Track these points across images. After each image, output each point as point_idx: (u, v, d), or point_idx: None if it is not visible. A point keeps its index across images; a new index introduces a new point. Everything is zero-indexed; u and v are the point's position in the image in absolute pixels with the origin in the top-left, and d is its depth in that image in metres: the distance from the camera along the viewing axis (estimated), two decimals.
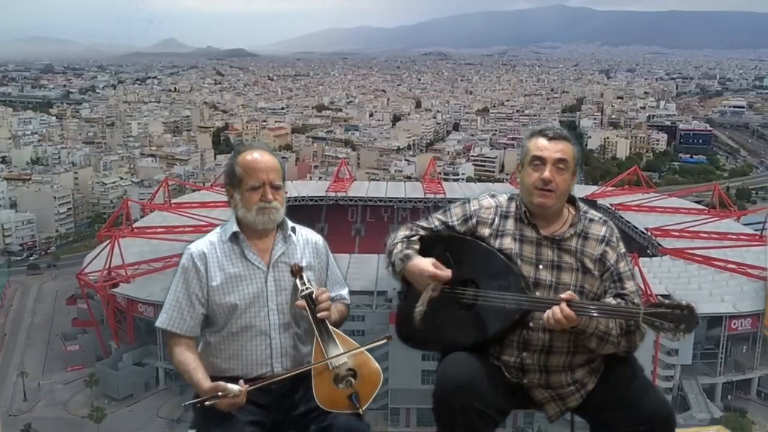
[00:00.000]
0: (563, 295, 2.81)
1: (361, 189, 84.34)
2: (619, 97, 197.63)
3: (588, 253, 2.98)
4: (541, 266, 2.98)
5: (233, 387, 2.84)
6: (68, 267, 79.47)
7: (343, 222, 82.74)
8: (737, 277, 54.65)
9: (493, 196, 3.19)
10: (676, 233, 64.30)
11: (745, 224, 71.71)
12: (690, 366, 50.12)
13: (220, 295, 3.10)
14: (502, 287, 2.94)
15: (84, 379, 53.37)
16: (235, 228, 3.15)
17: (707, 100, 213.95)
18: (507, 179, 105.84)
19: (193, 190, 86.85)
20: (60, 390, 53.73)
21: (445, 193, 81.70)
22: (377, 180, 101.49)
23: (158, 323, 3.13)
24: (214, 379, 2.97)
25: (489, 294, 2.95)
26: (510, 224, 3.05)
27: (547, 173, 2.92)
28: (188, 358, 3.05)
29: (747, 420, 48.13)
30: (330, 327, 3.04)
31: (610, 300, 2.91)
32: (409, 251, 3.05)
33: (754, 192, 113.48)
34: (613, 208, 73.82)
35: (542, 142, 2.98)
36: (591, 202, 76.27)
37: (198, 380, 2.95)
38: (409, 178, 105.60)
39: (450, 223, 3.16)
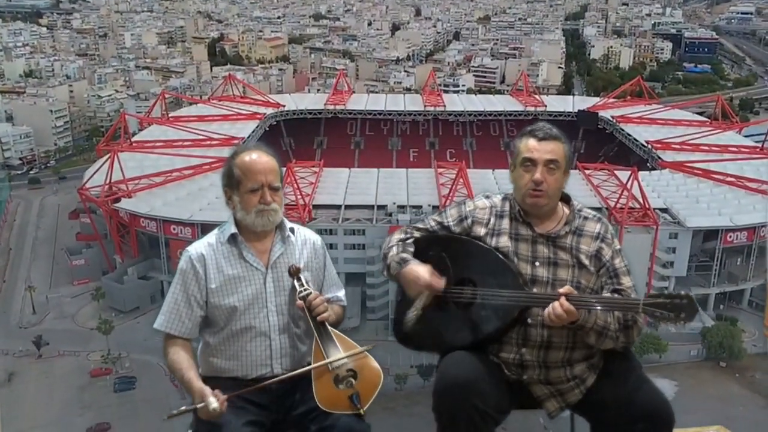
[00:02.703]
0: (561, 290, 2.83)
1: (360, 102, 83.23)
2: (624, 4, 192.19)
3: (583, 249, 3.01)
4: (537, 263, 3.01)
5: (212, 401, 2.83)
6: (69, 181, 79.70)
7: (342, 135, 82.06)
8: (735, 190, 54.87)
9: (487, 197, 3.20)
10: (677, 146, 64.00)
11: (746, 136, 71.35)
12: (684, 277, 50.97)
13: (219, 297, 3.10)
14: (500, 285, 2.95)
15: (90, 293, 54.42)
16: (233, 230, 3.14)
17: (715, 5, 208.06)
18: (507, 91, 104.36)
19: (190, 104, 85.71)
20: (67, 303, 54.84)
21: (444, 105, 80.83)
22: (376, 92, 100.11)
23: (156, 325, 3.13)
24: (214, 379, 3.01)
25: (487, 292, 2.96)
26: (505, 223, 3.07)
27: (537, 175, 2.94)
28: (181, 358, 3.06)
29: (737, 328, 49.44)
30: (329, 328, 3.05)
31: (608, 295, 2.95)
32: (405, 255, 3.07)
33: (757, 102, 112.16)
34: (615, 121, 73.35)
35: (532, 143, 2.98)
36: (593, 114, 75.77)
37: (190, 379, 2.96)
38: (408, 90, 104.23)
39: (445, 224, 3.17)
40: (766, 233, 51.58)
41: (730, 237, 50.93)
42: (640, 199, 50.27)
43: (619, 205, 50.12)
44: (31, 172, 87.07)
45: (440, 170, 59.23)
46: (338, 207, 52.79)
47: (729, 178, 55.98)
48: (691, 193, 54.87)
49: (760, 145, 64.85)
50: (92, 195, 54.67)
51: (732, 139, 67.29)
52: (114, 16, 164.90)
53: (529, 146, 2.98)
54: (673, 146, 64.04)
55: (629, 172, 51.49)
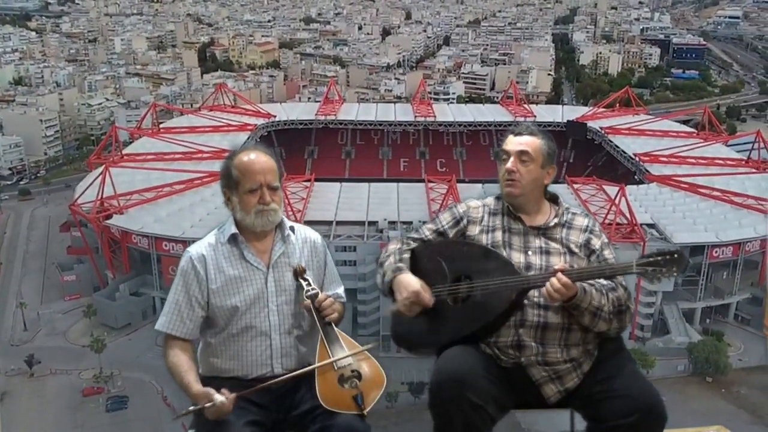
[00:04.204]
0: (557, 266, 2.93)
1: (351, 111, 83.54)
2: (613, 7, 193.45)
3: (573, 240, 3.14)
4: (530, 252, 3.12)
5: (218, 397, 2.84)
6: (59, 192, 79.55)
7: (333, 145, 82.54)
8: (721, 204, 55.54)
9: (479, 199, 3.34)
10: (665, 159, 64.73)
11: (731, 145, 72.21)
12: (671, 292, 51.52)
13: (220, 297, 3.11)
14: (495, 275, 3.03)
15: (82, 309, 54.31)
16: (234, 230, 3.15)
17: (703, 9, 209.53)
18: (497, 98, 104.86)
19: (181, 113, 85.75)
20: (59, 319, 54.75)
21: (435, 115, 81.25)
22: (367, 100, 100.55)
23: (158, 326, 3.14)
24: (214, 379, 3.02)
25: (483, 282, 3.04)
26: (498, 220, 3.21)
27: (509, 164, 3.13)
28: (181, 361, 3.06)
29: (723, 343, 50.06)
30: (335, 328, 3.07)
31: (601, 281, 3.02)
32: (401, 265, 3.14)
33: (744, 109, 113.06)
34: (603, 132, 74.00)
35: (510, 138, 3.21)
36: (581, 125, 76.44)
37: (189, 383, 2.96)
38: (399, 98, 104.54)
39: (441, 229, 3.27)
40: (751, 248, 52.39)
41: (716, 252, 51.53)
42: (628, 215, 50.88)
43: (606, 221, 50.62)
44: (21, 182, 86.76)
45: (431, 185, 59.72)
46: (329, 223, 53.05)
47: (715, 193, 56.64)
48: (678, 208, 55.47)
49: (745, 157, 65.78)
50: (84, 211, 54.77)
51: (718, 151, 68.09)
52: (104, 20, 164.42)
53: (507, 141, 3.20)
54: (661, 159, 64.76)
55: (617, 188, 52.13)
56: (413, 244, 3.24)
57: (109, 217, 53.99)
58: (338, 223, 53.34)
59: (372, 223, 53.41)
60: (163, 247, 52.09)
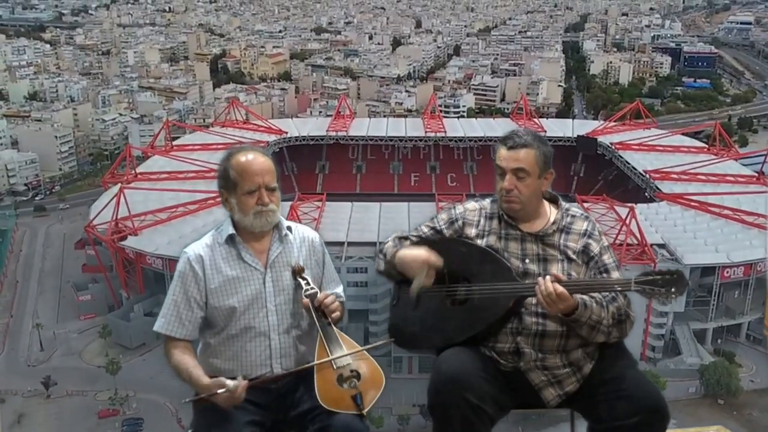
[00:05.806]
0: (552, 273, 2.92)
1: (362, 127, 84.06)
2: (624, 14, 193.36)
3: (570, 246, 3.09)
4: (527, 260, 3.08)
5: (230, 382, 2.87)
6: (74, 208, 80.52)
7: (344, 160, 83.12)
8: (732, 224, 55.42)
9: (477, 200, 3.31)
10: (675, 176, 64.68)
11: (743, 159, 72.17)
12: (682, 312, 51.55)
13: (218, 297, 3.11)
14: (493, 279, 3.03)
15: (97, 330, 54.93)
16: (231, 230, 3.15)
17: (714, 15, 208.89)
18: (508, 109, 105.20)
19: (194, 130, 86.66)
20: (74, 339, 55.47)
21: (445, 131, 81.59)
22: (377, 113, 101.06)
23: (157, 328, 3.14)
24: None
25: (481, 287, 3.04)
26: (495, 224, 3.17)
27: (505, 183, 3.05)
28: (186, 359, 3.07)
29: (734, 365, 49.98)
30: (335, 327, 3.09)
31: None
32: (402, 243, 3.21)
33: (756, 120, 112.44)
34: (613, 147, 74.06)
35: (503, 152, 3.08)
36: (592, 140, 76.63)
37: (198, 376, 2.98)
38: (409, 111, 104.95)
39: (438, 228, 3.26)
40: (762, 267, 52.27)
41: (727, 273, 51.46)
42: (638, 236, 50.92)
43: (617, 242, 50.73)
44: (36, 198, 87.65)
45: (441, 204, 60.03)
46: (341, 244, 53.45)
47: (726, 211, 56.52)
48: (689, 228, 55.41)
49: (756, 173, 65.58)
50: (99, 232, 55.54)
51: (729, 167, 67.89)
52: (117, 31, 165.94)
53: (500, 155, 3.09)
54: (672, 176, 64.71)
55: (627, 209, 52.24)
56: (412, 238, 3.27)
57: (123, 238, 54.67)
58: (350, 244, 53.74)
59: (383, 244, 53.69)
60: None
